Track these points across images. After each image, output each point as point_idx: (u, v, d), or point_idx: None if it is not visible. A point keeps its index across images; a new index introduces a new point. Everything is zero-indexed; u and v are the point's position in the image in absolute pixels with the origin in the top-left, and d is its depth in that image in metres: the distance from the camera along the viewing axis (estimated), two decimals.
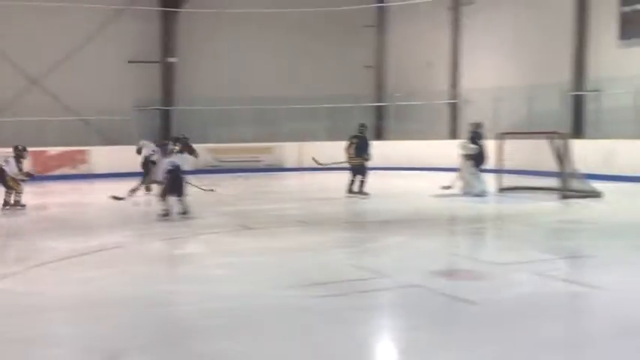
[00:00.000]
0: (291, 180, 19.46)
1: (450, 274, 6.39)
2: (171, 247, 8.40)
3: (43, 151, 19.39)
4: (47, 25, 21.38)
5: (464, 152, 13.18)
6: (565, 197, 11.93)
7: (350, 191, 13.07)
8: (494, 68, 21.42)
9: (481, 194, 12.75)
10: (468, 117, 21.65)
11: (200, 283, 6.04)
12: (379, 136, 24.49)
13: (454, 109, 22.74)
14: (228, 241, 8.32)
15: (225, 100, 22.50)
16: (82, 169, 19.95)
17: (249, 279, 6.19)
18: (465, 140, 13.51)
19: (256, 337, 4.45)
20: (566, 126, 17.53)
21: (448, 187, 13.00)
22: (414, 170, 17.90)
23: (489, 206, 11.89)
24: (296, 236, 8.77)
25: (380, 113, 24.90)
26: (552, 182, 12.50)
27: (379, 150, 19.50)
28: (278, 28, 24.54)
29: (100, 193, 15.92)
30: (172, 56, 22.97)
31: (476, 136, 13.28)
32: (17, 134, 19.06)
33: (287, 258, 7.25)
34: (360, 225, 9.76)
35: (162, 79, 23.15)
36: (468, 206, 11.84)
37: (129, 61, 22.55)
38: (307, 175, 20.41)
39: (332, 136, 21.37)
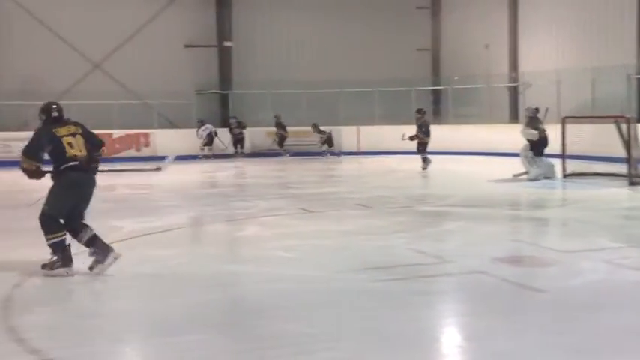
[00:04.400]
0: (349, 164, 19.45)
1: (515, 260, 6.29)
2: (234, 228, 8.52)
3: (109, 134, 19.90)
4: (106, 10, 21.90)
5: (525, 138, 12.95)
6: (633, 184, 11.58)
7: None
8: (555, 49, 20.88)
9: (535, 179, 12.56)
10: (529, 100, 21.23)
11: (263, 265, 6.11)
12: (436, 120, 24.26)
13: (514, 93, 22.29)
14: (290, 224, 8.39)
15: (281, 84, 22.60)
16: (145, 151, 20.39)
17: (311, 262, 6.23)
18: (524, 127, 13.25)
19: (318, 319, 4.48)
20: (631, 110, 17.00)
21: (521, 174, 12.90)
22: (473, 155, 17.65)
23: (552, 192, 11.65)
24: (356, 220, 8.78)
25: (436, 97, 24.61)
26: (619, 168, 12.16)
27: (437, 134, 19.37)
28: (332, 11, 24.53)
29: (163, 175, 16.28)
30: (228, 40, 23.19)
31: (533, 122, 13.00)
32: (82, 117, 19.59)
33: (348, 241, 7.24)
34: (420, 209, 9.69)
35: (219, 63, 23.40)
36: (529, 192, 11.63)
37: (185, 45, 22.91)
38: (365, 159, 20.38)
39: (388, 121, 21.28)
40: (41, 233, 5.60)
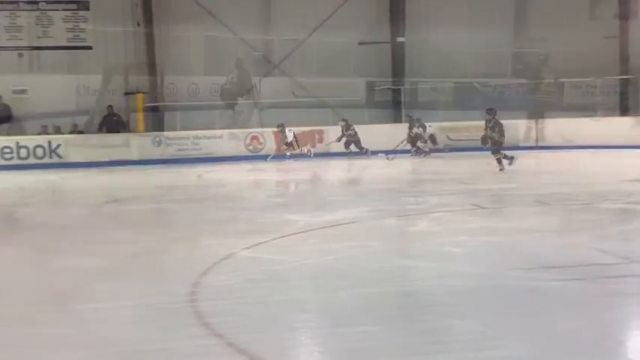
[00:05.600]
0: (525, 159, 18.69)
1: None
2: (406, 223, 8.55)
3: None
4: (280, 12, 22.78)
5: None
6: None
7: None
8: None
9: None
10: None
11: (435, 260, 6.08)
12: (624, 111, 22.64)
13: None
14: (462, 220, 8.25)
15: (453, 78, 22.22)
16: (319, 147, 20.92)
17: (483, 259, 6.09)
18: None
19: (489, 316, 4.39)
20: None
21: None
22: None
23: None
24: (532, 217, 8.44)
25: (624, 87, 22.95)
26: None
27: (625, 126, 18.00)
28: (509, 3, 23.68)
29: (336, 171, 16.75)
30: (401, 36, 23.20)
31: None
32: (263, 115, 20.66)
33: (522, 239, 6.99)
34: (603, 206, 9.10)
35: (392, 59, 23.48)
36: None
37: (359, 43, 23.21)
38: (542, 153, 19.51)
39: (571, 113, 20.19)
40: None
